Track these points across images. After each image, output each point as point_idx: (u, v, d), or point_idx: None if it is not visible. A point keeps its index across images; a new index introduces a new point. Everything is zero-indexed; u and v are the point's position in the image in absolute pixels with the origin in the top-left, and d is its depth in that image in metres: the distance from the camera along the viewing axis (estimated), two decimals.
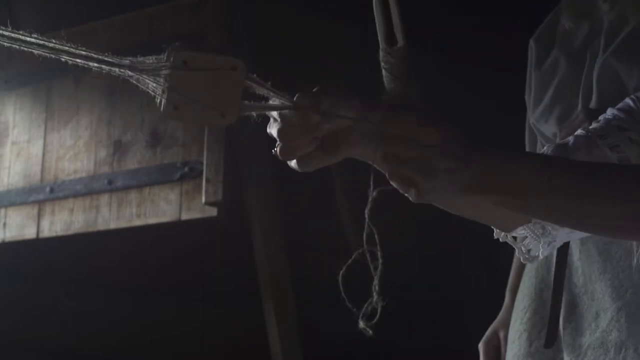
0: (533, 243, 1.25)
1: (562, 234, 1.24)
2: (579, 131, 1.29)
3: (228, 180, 3.14)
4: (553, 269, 1.65)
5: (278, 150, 1.04)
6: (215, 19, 3.29)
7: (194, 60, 0.96)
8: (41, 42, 0.97)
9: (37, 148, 3.59)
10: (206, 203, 3.13)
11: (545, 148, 1.30)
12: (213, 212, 3.14)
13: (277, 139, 1.03)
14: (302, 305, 3.62)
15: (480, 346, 1.96)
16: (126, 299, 4.45)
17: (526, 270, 1.78)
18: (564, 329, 1.64)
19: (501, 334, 1.93)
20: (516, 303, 1.80)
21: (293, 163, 1.06)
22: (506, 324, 1.92)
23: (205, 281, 4.31)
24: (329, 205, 4.10)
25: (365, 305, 1.08)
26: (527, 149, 1.92)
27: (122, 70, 0.98)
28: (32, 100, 3.64)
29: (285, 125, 1.02)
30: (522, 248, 1.25)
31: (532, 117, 1.80)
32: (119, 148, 3.40)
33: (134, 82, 0.97)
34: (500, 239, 1.27)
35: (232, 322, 4.52)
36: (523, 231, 1.24)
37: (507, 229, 1.26)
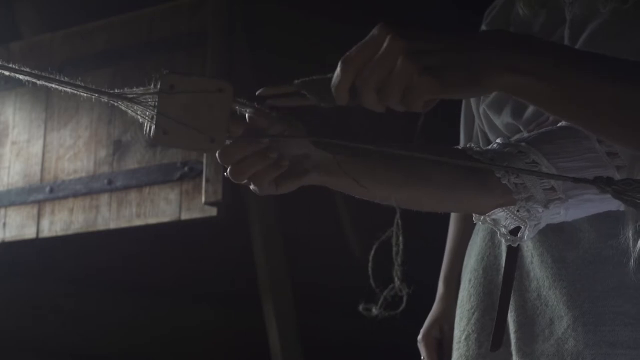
0: (513, 224, 1.23)
1: (546, 216, 1.21)
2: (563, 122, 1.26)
3: (228, 180, 3.13)
4: (502, 271, 1.58)
5: (229, 171, 1.06)
6: (215, 19, 3.29)
7: (181, 83, 0.96)
8: (33, 73, 0.98)
9: (37, 148, 3.59)
10: (206, 203, 3.13)
11: (526, 136, 1.27)
12: (213, 212, 3.14)
13: (219, 159, 1.05)
14: (302, 306, 3.61)
15: (421, 340, 1.93)
16: (126, 299, 4.46)
17: (470, 268, 1.74)
18: (514, 332, 1.62)
19: (445, 327, 1.91)
20: (461, 301, 1.77)
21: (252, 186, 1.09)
22: (447, 316, 1.90)
23: (205, 281, 4.31)
24: (328, 206, 4.10)
25: (387, 291, 1.06)
26: (463, 137, 1.89)
27: (112, 99, 0.99)
28: (32, 100, 3.64)
29: (230, 146, 1.03)
30: (503, 230, 1.24)
31: (483, 103, 1.76)
32: (119, 148, 3.40)
33: (124, 108, 0.98)
34: (481, 222, 1.25)
35: (232, 322, 4.52)
36: (502, 213, 1.22)
37: (484, 213, 1.23)
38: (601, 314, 1.52)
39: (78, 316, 4.39)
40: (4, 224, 3.58)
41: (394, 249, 1.08)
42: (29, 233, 3.52)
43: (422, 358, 1.94)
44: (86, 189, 3.43)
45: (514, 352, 1.61)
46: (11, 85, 3.68)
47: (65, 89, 0.99)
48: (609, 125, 1.00)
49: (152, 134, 0.97)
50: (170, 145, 0.98)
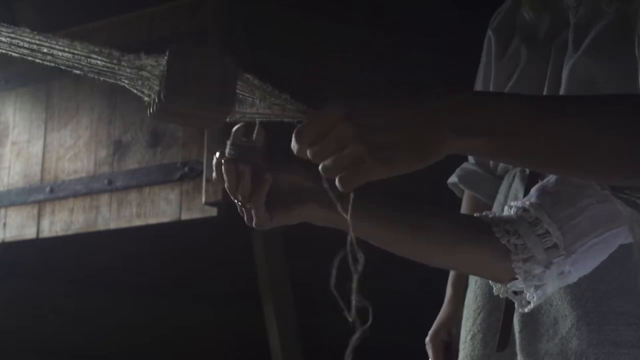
0: (529, 291, 1.23)
1: (552, 277, 1.21)
2: None
3: None
4: None
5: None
6: (215, 19, 3.29)
7: (187, 51, 0.99)
8: (36, 41, 0.98)
9: (37, 148, 3.59)
10: (206, 203, 3.13)
11: (533, 191, 1.28)
12: (213, 212, 3.14)
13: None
14: (302, 306, 3.61)
15: (428, 341, 1.93)
16: (126, 299, 4.45)
17: None
18: (519, 332, 1.62)
19: (453, 330, 1.92)
20: (467, 302, 1.77)
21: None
22: (455, 319, 1.90)
23: (205, 281, 4.31)
24: None
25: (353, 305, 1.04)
26: None
27: (120, 68, 0.99)
28: (32, 100, 3.64)
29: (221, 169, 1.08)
30: (522, 301, 1.24)
31: None
32: (119, 148, 3.40)
33: (129, 87, 0.99)
34: (501, 295, 1.25)
35: (232, 322, 4.52)
36: (521, 285, 1.22)
37: (501, 279, 1.23)
38: (605, 313, 1.52)
39: (78, 316, 4.39)
40: (4, 224, 3.58)
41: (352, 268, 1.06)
42: (29, 233, 3.52)
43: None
44: (86, 189, 3.43)
45: (518, 352, 1.61)
46: (11, 85, 3.68)
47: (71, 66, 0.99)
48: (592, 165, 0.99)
49: (162, 95, 0.98)
50: (177, 114, 0.99)
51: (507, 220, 1.21)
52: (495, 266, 1.21)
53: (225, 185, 1.10)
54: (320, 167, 0.97)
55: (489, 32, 1.86)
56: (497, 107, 0.97)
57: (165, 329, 4.43)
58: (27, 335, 4.31)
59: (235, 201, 1.12)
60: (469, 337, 1.73)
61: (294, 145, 0.97)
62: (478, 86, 1.90)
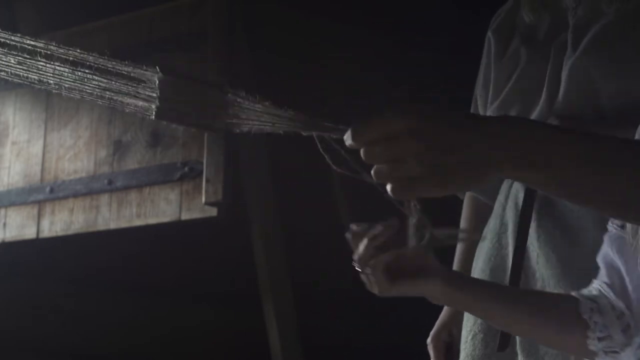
0: None
1: (626, 355, 1.24)
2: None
3: (228, 180, 3.14)
4: (509, 272, 1.64)
5: None
6: (215, 19, 3.29)
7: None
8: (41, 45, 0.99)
9: (37, 148, 3.59)
10: (206, 203, 3.13)
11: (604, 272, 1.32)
12: (213, 212, 3.14)
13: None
14: (302, 306, 3.61)
15: (429, 342, 1.94)
16: (126, 299, 4.46)
17: (478, 270, 1.75)
18: None
19: (454, 331, 1.92)
20: None
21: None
22: (456, 320, 1.91)
23: (205, 281, 4.31)
24: (329, 206, 4.09)
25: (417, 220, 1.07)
26: None
27: (115, 83, 1.00)
28: (32, 100, 3.64)
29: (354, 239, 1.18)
30: None
31: (489, 108, 1.78)
32: (119, 148, 3.40)
33: (120, 106, 1.00)
34: None
35: (232, 322, 4.52)
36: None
37: (584, 354, 1.27)
38: None
39: (78, 316, 4.39)
40: (4, 224, 3.58)
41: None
42: (29, 233, 3.52)
43: None
44: (86, 189, 3.43)
45: (518, 351, 1.62)
46: (11, 85, 3.68)
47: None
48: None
49: (154, 113, 0.99)
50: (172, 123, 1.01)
51: (595, 300, 1.26)
52: (580, 341, 1.25)
53: (358, 253, 1.19)
54: (373, 170, 0.97)
55: (489, 33, 1.87)
56: (554, 143, 0.98)
57: (165, 329, 4.43)
58: (27, 335, 4.31)
59: (356, 265, 1.20)
60: (469, 337, 1.73)
61: (348, 138, 0.97)
62: (478, 87, 1.91)
